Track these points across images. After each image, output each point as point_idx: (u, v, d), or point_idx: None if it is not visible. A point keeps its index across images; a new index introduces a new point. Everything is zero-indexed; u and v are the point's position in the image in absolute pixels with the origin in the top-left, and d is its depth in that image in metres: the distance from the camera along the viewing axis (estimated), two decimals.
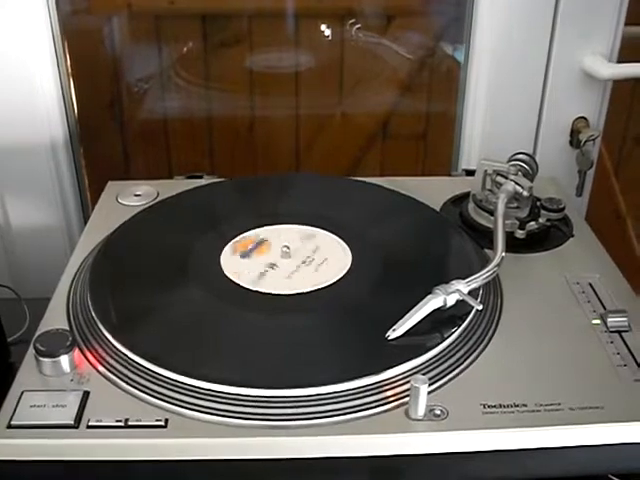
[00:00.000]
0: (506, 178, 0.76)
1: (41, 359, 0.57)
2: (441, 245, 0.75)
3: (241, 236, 0.74)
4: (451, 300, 0.61)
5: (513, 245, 0.72)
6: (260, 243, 0.73)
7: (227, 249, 0.72)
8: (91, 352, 0.59)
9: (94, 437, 0.52)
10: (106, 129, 1.15)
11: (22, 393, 0.55)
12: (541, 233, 0.76)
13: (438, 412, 0.54)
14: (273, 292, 0.66)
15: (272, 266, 0.69)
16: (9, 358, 0.74)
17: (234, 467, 0.53)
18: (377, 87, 1.16)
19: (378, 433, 0.53)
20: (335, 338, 0.61)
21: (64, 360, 0.57)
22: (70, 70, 0.99)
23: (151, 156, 1.18)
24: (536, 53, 0.96)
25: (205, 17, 1.09)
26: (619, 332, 0.63)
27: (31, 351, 0.58)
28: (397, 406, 0.54)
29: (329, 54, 1.14)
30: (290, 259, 0.70)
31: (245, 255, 0.71)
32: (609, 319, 0.63)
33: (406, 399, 0.54)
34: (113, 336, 0.60)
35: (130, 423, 0.53)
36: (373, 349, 0.59)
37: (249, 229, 0.75)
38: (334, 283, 0.67)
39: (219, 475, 0.54)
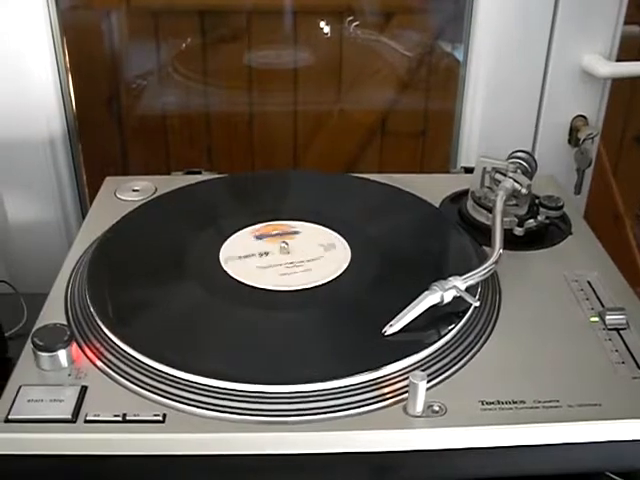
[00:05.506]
0: (505, 175, 0.76)
1: (39, 353, 0.57)
2: (439, 242, 0.75)
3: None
4: (448, 296, 0.61)
5: (511, 242, 0.72)
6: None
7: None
8: (89, 347, 0.59)
9: (92, 432, 0.52)
10: (104, 125, 1.15)
11: (20, 387, 0.55)
12: (540, 231, 0.76)
13: (436, 408, 0.54)
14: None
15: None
16: (7, 353, 0.74)
17: (231, 462, 0.53)
18: (376, 84, 1.16)
19: (376, 429, 0.53)
20: (333, 334, 0.61)
21: (62, 355, 0.57)
22: (68, 65, 0.99)
23: (149, 152, 1.18)
24: (535, 51, 0.96)
25: (203, 13, 1.09)
26: (617, 330, 0.63)
27: (29, 346, 0.58)
28: (395, 402, 0.54)
29: (328, 51, 1.14)
30: (289, 255, 0.70)
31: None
32: (607, 317, 0.63)
33: (404, 395, 0.54)
34: (111, 331, 0.60)
35: (128, 418, 0.53)
36: (372, 345, 0.59)
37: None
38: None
39: (216, 470, 0.54)
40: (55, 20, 0.94)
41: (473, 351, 0.60)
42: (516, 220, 0.75)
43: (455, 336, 0.60)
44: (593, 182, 1.07)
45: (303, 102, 1.16)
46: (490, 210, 0.74)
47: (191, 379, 0.55)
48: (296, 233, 0.73)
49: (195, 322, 0.62)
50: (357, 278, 0.67)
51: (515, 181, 0.75)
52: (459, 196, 0.83)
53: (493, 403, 0.55)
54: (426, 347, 0.58)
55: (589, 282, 0.69)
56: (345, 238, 0.73)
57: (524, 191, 0.75)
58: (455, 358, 0.59)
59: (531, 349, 0.60)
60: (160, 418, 0.53)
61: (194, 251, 0.70)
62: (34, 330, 0.59)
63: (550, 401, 0.55)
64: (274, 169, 1.15)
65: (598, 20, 0.94)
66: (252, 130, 1.17)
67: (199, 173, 0.88)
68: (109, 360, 0.58)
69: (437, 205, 0.81)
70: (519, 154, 0.79)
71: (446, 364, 0.58)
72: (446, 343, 0.59)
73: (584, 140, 0.98)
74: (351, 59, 1.14)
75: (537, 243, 0.75)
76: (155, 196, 0.82)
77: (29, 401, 0.54)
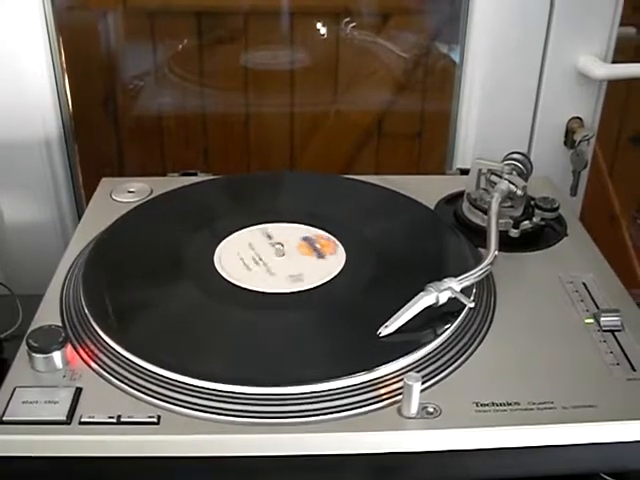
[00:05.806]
0: (500, 177, 0.76)
1: (34, 355, 0.57)
2: (435, 243, 0.75)
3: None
4: (443, 298, 0.61)
5: (507, 244, 0.72)
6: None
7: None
8: (84, 349, 0.59)
9: (86, 433, 0.52)
10: (100, 125, 1.15)
11: (14, 389, 0.55)
12: (535, 232, 0.76)
13: (431, 410, 0.54)
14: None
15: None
16: (2, 354, 0.74)
17: (226, 464, 0.53)
18: (372, 85, 1.16)
19: (371, 431, 0.53)
20: (328, 336, 0.61)
21: (57, 356, 0.57)
22: (64, 66, 0.99)
23: (145, 153, 1.17)
24: (531, 53, 0.96)
25: (200, 14, 1.09)
26: (612, 331, 0.63)
27: (24, 347, 0.58)
28: (390, 404, 0.54)
29: (324, 52, 1.14)
30: (284, 257, 0.70)
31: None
32: (602, 318, 0.63)
33: (399, 397, 0.54)
34: (105, 333, 0.60)
35: (122, 420, 0.53)
36: (367, 347, 0.59)
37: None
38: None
39: (211, 472, 0.54)
40: (51, 20, 0.94)
41: (468, 352, 0.60)
42: (511, 222, 0.75)
43: (450, 337, 0.60)
44: (589, 183, 1.07)
45: (299, 103, 1.16)
46: (485, 212, 0.74)
47: (186, 381, 0.55)
48: (322, 258, 0.71)
49: (190, 324, 0.62)
50: (353, 280, 0.67)
51: (510, 183, 0.75)
52: (454, 198, 0.83)
53: (487, 405, 0.55)
54: (421, 348, 0.58)
55: (584, 284, 0.69)
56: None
57: (519, 193, 0.75)
58: (450, 359, 0.59)
59: (526, 350, 0.60)
60: (155, 420, 0.53)
61: (189, 253, 0.70)
62: (29, 331, 0.59)
63: (545, 403, 0.55)
64: (270, 170, 1.15)
65: (594, 22, 0.94)
66: (248, 131, 1.17)
67: (195, 174, 0.88)
68: (104, 362, 0.58)
69: (432, 207, 0.81)
70: (515, 156, 0.79)
71: (441, 365, 0.58)
72: (441, 344, 0.60)
73: (580, 141, 0.98)
74: (347, 60, 1.14)
75: (532, 245, 0.75)
76: (151, 197, 0.82)
77: (24, 402, 0.54)
